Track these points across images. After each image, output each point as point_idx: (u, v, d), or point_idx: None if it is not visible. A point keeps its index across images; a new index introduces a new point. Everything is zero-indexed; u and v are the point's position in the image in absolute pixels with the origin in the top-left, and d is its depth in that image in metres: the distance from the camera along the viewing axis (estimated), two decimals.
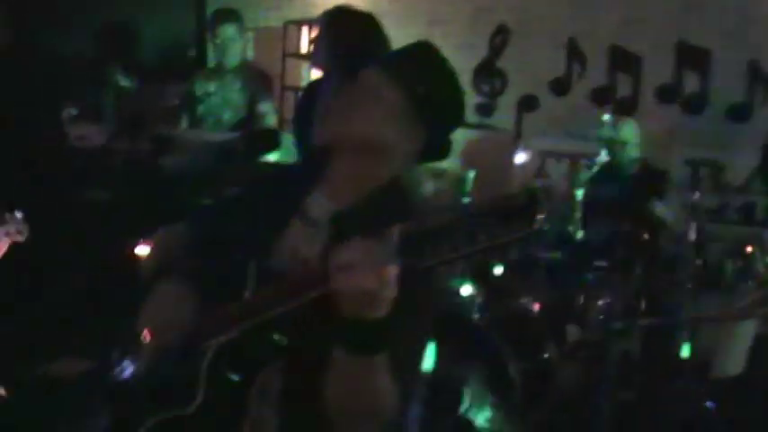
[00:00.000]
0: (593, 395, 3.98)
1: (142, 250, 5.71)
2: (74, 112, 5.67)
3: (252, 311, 1.82)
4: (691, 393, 4.14)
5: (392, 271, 1.57)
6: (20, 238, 2.94)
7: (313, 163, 2.11)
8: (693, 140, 5.21)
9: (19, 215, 2.90)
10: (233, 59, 5.27)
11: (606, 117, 4.01)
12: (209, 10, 6.69)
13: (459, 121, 2.03)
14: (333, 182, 2.02)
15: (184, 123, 5.36)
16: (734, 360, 4.06)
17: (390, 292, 1.58)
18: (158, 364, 1.98)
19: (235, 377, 1.86)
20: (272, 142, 1.97)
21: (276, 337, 1.83)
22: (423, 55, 1.97)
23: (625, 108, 5.35)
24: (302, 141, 2.37)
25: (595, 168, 3.95)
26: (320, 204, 2.02)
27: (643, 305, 4.13)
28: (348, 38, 3.99)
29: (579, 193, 3.95)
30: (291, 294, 1.74)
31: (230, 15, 5.31)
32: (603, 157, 3.86)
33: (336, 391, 1.77)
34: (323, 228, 1.98)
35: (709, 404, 4.12)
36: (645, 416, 4.06)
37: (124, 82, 6.06)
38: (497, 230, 1.48)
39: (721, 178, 5.20)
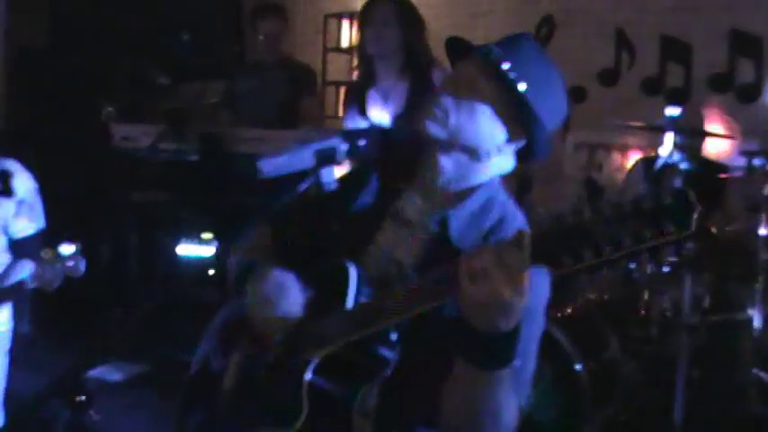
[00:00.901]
0: (659, 392, 3.90)
1: (187, 249, 5.74)
2: (112, 110, 5.63)
3: (362, 322, 1.73)
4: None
5: (527, 278, 1.47)
6: (77, 274, 2.86)
7: (402, 161, 2.04)
8: (747, 130, 5.08)
9: (74, 248, 2.79)
10: (275, 54, 5.20)
11: (673, 108, 3.90)
12: (247, 5, 6.65)
13: (559, 120, 1.95)
14: (427, 181, 1.94)
15: (226, 121, 5.32)
16: None
17: (524, 300, 1.49)
18: (259, 374, 1.91)
19: (338, 392, 1.78)
20: (372, 140, 1.88)
21: (383, 349, 1.75)
22: (525, 49, 1.89)
23: (676, 97, 5.22)
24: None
25: (661, 162, 3.83)
26: (414, 204, 1.94)
27: (709, 301, 4.02)
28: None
29: (641, 187, 3.85)
30: (410, 304, 1.64)
31: (272, 9, 5.25)
32: (668, 148, 3.74)
33: (455, 405, 1.69)
34: (419, 229, 1.91)
35: None
36: (710, 413, 3.96)
37: (162, 80, 6.01)
38: (646, 233, 1.35)
39: None
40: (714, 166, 4.64)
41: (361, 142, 1.83)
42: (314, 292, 1.88)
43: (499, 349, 1.56)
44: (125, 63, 5.97)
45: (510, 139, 1.88)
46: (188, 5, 6.62)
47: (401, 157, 2.05)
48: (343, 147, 1.81)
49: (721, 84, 5.30)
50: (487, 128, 1.85)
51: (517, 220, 1.89)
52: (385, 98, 4.09)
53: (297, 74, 5.23)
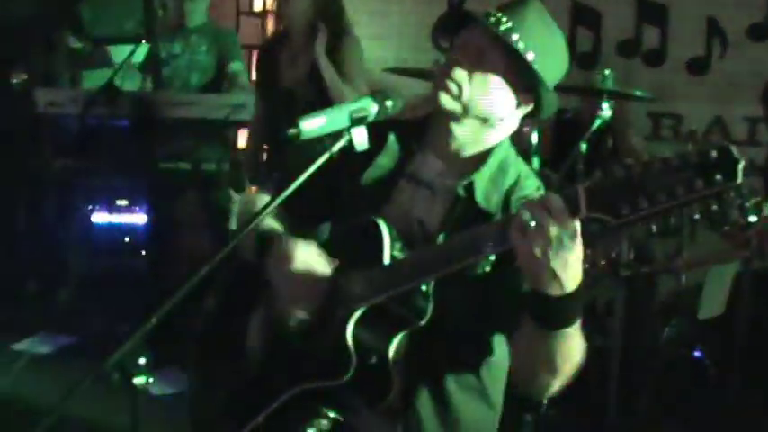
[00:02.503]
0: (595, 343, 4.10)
1: (103, 217, 5.65)
2: (24, 77, 5.48)
3: (403, 276, 1.82)
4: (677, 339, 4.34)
5: (578, 231, 1.56)
6: None
7: (413, 123, 2.12)
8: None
9: None
10: (197, 19, 5.16)
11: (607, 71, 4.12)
12: None
13: (561, 76, 2.06)
14: (443, 143, 2.04)
15: (149, 86, 5.25)
16: (715, 301, 4.25)
17: (578, 251, 1.57)
18: (301, 330, 1.97)
19: (377, 342, 1.86)
20: (397, 102, 1.95)
21: (418, 300, 1.84)
22: (531, 14, 1.95)
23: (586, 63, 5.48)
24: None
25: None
26: (430, 166, 2.04)
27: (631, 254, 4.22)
28: None
29: None
30: (450, 260, 1.74)
31: None
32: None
33: (526, 358, 1.78)
34: (441, 191, 2.00)
35: (697, 353, 4.32)
36: (629, 364, 4.18)
37: (76, 44, 5.86)
38: (698, 183, 1.44)
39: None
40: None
41: (389, 103, 1.90)
42: (345, 248, 1.97)
43: (566, 309, 1.64)
44: (38, 29, 5.76)
45: (519, 104, 1.99)
46: None
47: (412, 120, 2.14)
48: (374, 108, 1.88)
49: (629, 49, 5.60)
50: (499, 97, 1.95)
51: (531, 177, 2.02)
52: (294, 59, 4.22)
53: (220, 38, 5.20)
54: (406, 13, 6.22)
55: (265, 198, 2.05)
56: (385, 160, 2.08)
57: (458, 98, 1.93)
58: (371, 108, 1.88)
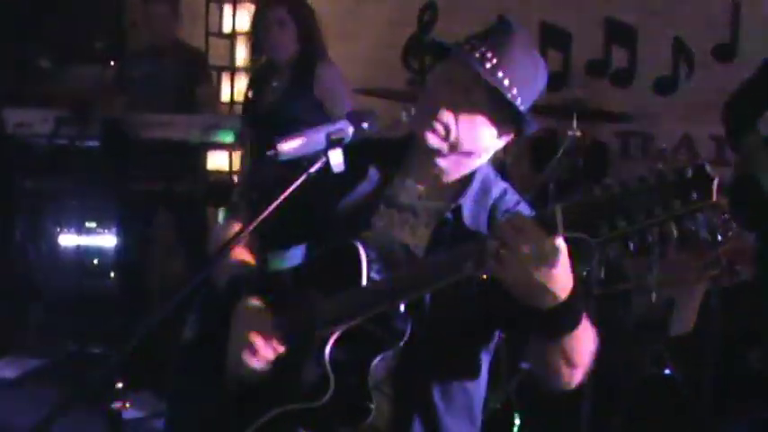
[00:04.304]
0: None
1: (71, 239, 5.59)
2: None
3: (381, 297, 1.83)
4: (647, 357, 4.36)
5: (558, 246, 1.58)
6: None
7: (394, 148, 2.13)
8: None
9: None
10: (167, 39, 5.15)
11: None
12: None
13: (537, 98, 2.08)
14: (424, 169, 2.05)
15: (119, 105, 5.23)
16: (686, 319, 4.29)
17: (559, 267, 1.60)
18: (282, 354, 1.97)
19: (355, 364, 1.86)
20: (375, 125, 1.97)
21: (396, 321, 1.84)
22: (514, 47, 1.95)
23: (555, 83, 5.52)
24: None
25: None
26: (411, 191, 2.06)
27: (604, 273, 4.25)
28: None
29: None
30: (430, 280, 1.76)
31: None
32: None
33: (540, 362, 1.81)
34: (424, 216, 2.02)
35: (667, 371, 4.34)
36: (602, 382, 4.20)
37: (44, 63, 5.82)
38: (675, 203, 1.47)
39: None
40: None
41: (365, 125, 1.91)
42: (323, 271, 1.97)
43: (563, 318, 1.67)
44: (6, 47, 5.72)
45: (502, 135, 2.02)
46: None
47: (389, 141, 2.15)
48: (351, 130, 1.89)
49: (597, 69, 5.65)
50: (484, 133, 1.98)
51: (511, 192, 2.04)
52: (267, 86, 4.30)
53: (190, 59, 5.21)
54: (377, 34, 6.25)
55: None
56: (363, 184, 2.08)
57: (445, 138, 1.95)
58: (348, 130, 1.89)
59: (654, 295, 4.09)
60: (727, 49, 5.36)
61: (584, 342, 1.75)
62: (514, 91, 1.92)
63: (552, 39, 5.60)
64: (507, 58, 1.92)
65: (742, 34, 5.32)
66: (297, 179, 1.83)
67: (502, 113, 1.96)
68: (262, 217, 1.80)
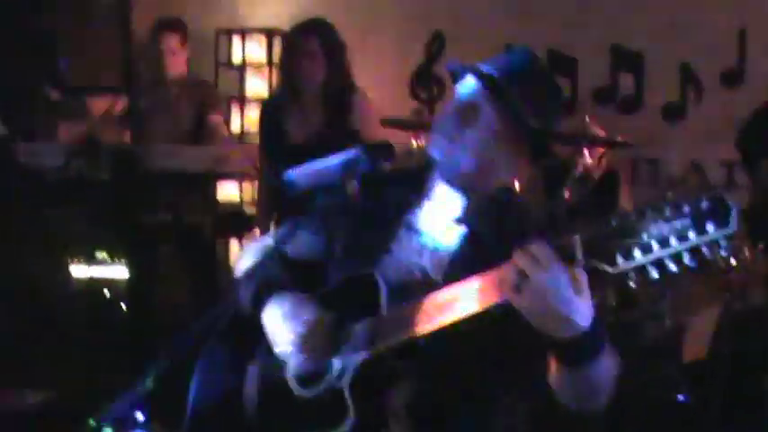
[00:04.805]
0: None
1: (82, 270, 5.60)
2: (3, 130, 5.46)
3: (401, 327, 1.83)
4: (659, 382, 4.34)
5: (579, 274, 1.59)
6: None
7: (411, 175, 2.15)
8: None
9: None
10: (177, 70, 5.19)
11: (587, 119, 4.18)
12: (138, 20, 6.56)
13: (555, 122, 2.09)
14: (442, 194, 2.05)
15: (128, 137, 5.26)
16: (698, 344, 4.27)
17: (581, 295, 1.60)
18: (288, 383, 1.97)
19: (374, 392, 1.86)
20: (390, 154, 1.98)
21: (416, 352, 1.84)
22: (527, 70, 1.99)
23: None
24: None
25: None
26: (429, 215, 2.06)
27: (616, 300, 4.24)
28: None
29: None
30: (449, 310, 1.76)
31: (173, 25, 5.23)
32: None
33: (561, 391, 1.80)
34: (442, 240, 2.02)
35: (680, 396, 4.32)
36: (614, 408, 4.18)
37: (55, 96, 5.86)
38: (690, 233, 1.47)
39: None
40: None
41: (381, 154, 1.92)
42: (342, 300, 1.97)
43: (582, 347, 1.65)
44: (15, 79, 5.77)
45: (518, 156, 2.02)
46: (75, 21, 6.46)
47: (406, 170, 2.16)
48: (367, 159, 1.90)
49: (605, 96, 5.68)
50: (500, 157, 1.99)
51: (531, 216, 2.04)
52: (305, 117, 4.24)
53: (200, 90, 5.23)
54: (383, 64, 6.29)
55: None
56: (381, 212, 2.09)
57: (461, 162, 1.97)
58: (364, 159, 1.90)
59: (667, 321, 4.07)
60: (734, 75, 5.39)
61: (606, 368, 1.74)
62: (528, 110, 1.93)
63: (559, 66, 5.62)
64: (522, 82, 1.93)
65: (749, 59, 5.36)
66: (314, 208, 1.84)
67: (517, 133, 1.96)
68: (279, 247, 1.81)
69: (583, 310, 1.60)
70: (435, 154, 2.00)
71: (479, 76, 1.97)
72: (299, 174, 1.86)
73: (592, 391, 1.76)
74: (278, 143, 4.33)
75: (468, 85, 2.02)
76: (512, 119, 1.93)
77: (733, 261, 4.02)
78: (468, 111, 1.97)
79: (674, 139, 5.52)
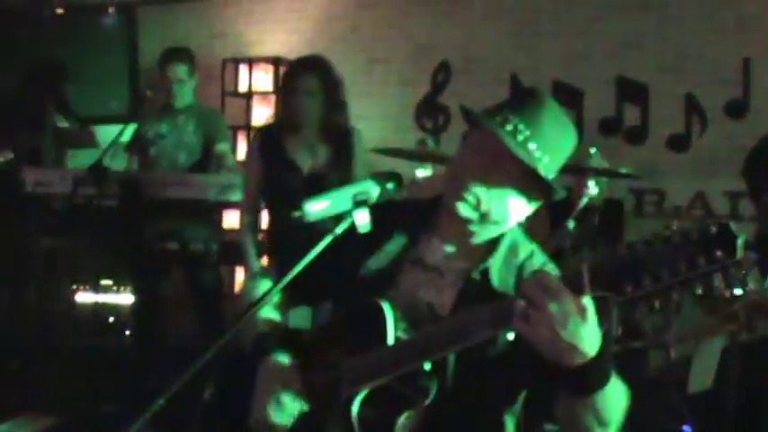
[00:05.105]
0: None
1: (87, 296, 5.62)
2: (9, 156, 5.50)
3: (408, 356, 1.83)
4: (665, 413, 4.33)
5: (586, 303, 1.60)
6: None
7: (419, 207, 2.15)
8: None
9: None
10: (184, 99, 5.21)
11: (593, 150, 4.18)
12: (147, 49, 6.63)
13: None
14: (452, 231, 2.06)
15: (135, 165, 5.28)
16: (705, 375, 4.25)
17: (587, 325, 1.61)
18: (308, 411, 1.97)
19: (382, 422, 1.86)
20: (400, 185, 1.99)
21: (421, 379, 1.85)
22: (545, 117, 1.96)
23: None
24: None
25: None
26: (439, 252, 2.07)
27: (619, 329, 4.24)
28: None
29: None
30: (456, 339, 1.76)
31: (181, 54, 5.25)
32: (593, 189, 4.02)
33: (575, 422, 1.79)
34: (451, 276, 2.03)
35: (686, 428, 4.31)
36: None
37: (63, 123, 5.90)
38: (700, 260, 1.48)
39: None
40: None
41: (390, 186, 1.94)
42: (348, 330, 1.98)
43: (590, 375, 1.66)
44: (24, 107, 5.82)
45: (531, 202, 2.02)
46: (83, 50, 6.54)
47: (416, 202, 2.17)
48: (376, 190, 1.92)
49: (610, 127, 5.71)
50: (515, 204, 1.98)
51: (539, 253, 2.05)
52: (311, 150, 4.27)
53: (207, 119, 5.25)
54: (389, 93, 6.34)
55: (268, 281, 2.13)
56: (389, 244, 2.10)
57: (475, 208, 1.96)
58: (373, 190, 1.92)
59: (672, 352, 4.07)
60: (739, 105, 5.42)
61: (614, 399, 1.74)
62: (546, 160, 1.92)
63: (564, 97, 5.66)
64: (539, 130, 1.93)
65: (753, 90, 5.40)
66: (323, 239, 1.85)
67: (532, 183, 1.96)
68: (289, 277, 1.83)
69: (590, 340, 1.61)
70: (448, 197, 2.00)
71: (494, 125, 1.94)
72: (312, 203, 1.87)
73: (600, 422, 1.75)
74: (285, 171, 4.33)
75: (484, 131, 1.98)
76: (528, 168, 1.92)
77: (738, 291, 4.02)
78: (484, 158, 1.95)
79: (679, 169, 5.55)
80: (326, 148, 4.28)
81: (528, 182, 1.95)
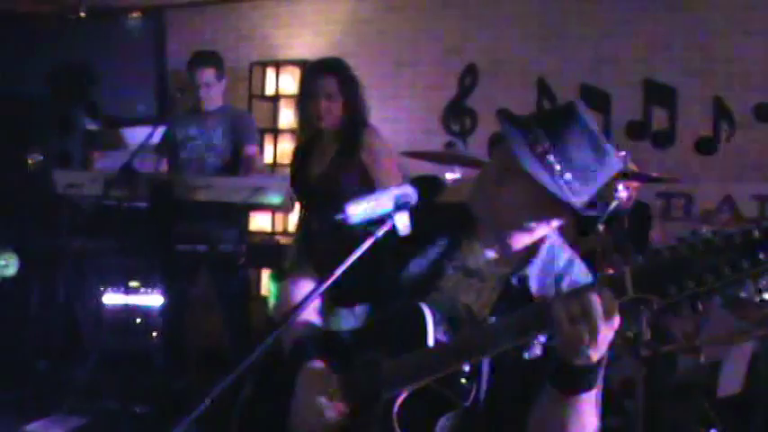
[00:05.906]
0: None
1: (114, 298, 5.65)
2: (39, 157, 5.54)
3: (449, 358, 1.84)
4: (693, 417, 4.31)
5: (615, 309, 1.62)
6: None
7: (459, 211, 2.16)
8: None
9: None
10: (213, 102, 5.24)
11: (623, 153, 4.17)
12: (173, 52, 6.68)
13: (605, 182, 2.07)
14: (489, 234, 2.07)
15: (163, 167, 5.32)
16: (733, 379, 4.24)
17: (613, 334, 1.65)
18: (348, 413, 1.99)
19: (422, 424, 1.88)
20: (439, 188, 2.00)
21: (461, 380, 1.86)
22: (572, 132, 1.94)
23: None
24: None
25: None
26: (480, 257, 2.08)
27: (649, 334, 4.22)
28: None
29: None
30: (498, 341, 1.78)
31: (210, 58, 5.29)
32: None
33: (547, 419, 1.82)
34: (492, 281, 2.04)
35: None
36: None
37: (91, 126, 5.94)
38: (743, 263, 1.51)
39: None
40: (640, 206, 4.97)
41: (430, 188, 1.95)
42: (389, 332, 1.99)
43: (588, 376, 1.71)
44: (53, 109, 5.87)
45: (558, 216, 2.02)
46: (111, 53, 6.59)
47: (456, 206, 2.18)
48: (416, 194, 1.93)
49: (638, 131, 5.70)
50: (538, 215, 1.99)
51: (578, 262, 2.05)
52: (323, 154, 4.30)
53: (236, 121, 5.28)
54: (417, 96, 6.34)
55: (305, 284, 2.18)
56: (430, 247, 2.11)
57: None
58: (414, 194, 1.93)
59: (702, 356, 4.05)
60: (767, 109, 5.39)
61: (586, 415, 1.77)
62: (569, 176, 1.91)
63: (592, 101, 5.65)
64: (565, 147, 1.92)
65: None
66: (364, 241, 1.86)
67: (557, 199, 1.93)
68: (332, 279, 1.84)
69: (603, 348, 1.66)
70: (473, 205, 2.03)
71: (534, 155, 1.93)
72: (354, 206, 1.88)
73: (575, 426, 1.77)
74: (301, 182, 4.40)
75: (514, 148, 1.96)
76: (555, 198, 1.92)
77: (766, 295, 4.01)
78: (509, 171, 1.96)
79: (707, 173, 5.53)
80: (335, 150, 4.28)
81: (552, 196, 1.92)
